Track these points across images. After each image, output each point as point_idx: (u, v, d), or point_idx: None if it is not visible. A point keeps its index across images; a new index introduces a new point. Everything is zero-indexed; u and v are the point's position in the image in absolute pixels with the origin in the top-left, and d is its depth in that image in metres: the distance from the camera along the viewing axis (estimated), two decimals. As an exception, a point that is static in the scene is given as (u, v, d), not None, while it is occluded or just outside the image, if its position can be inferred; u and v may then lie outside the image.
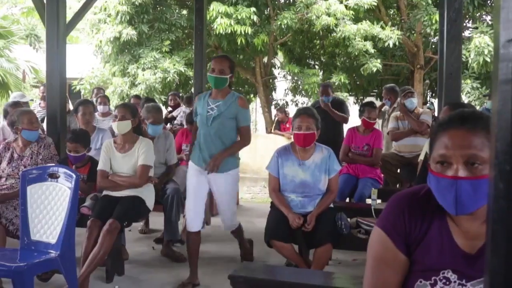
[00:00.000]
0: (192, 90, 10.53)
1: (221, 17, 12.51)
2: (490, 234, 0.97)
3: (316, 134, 4.45)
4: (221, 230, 6.67)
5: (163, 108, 13.23)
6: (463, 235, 1.60)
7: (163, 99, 13.44)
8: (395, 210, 1.66)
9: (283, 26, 13.03)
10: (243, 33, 12.59)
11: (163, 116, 9.49)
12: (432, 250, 1.61)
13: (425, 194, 1.64)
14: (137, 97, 9.12)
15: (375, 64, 12.89)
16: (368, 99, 16.48)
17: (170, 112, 9.72)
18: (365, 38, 12.97)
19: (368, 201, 5.49)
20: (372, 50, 12.97)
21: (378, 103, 15.30)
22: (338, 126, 7.44)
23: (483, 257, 1.39)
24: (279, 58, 16.55)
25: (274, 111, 16.90)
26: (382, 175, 6.32)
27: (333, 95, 7.52)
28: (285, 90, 16.12)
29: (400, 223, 1.64)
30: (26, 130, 4.79)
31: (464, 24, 13.81)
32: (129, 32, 13.25)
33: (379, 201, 5.08)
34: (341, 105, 7.41)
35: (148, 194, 4.86)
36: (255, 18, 12.75)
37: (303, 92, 14.62)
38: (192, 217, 4.63)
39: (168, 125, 8.91)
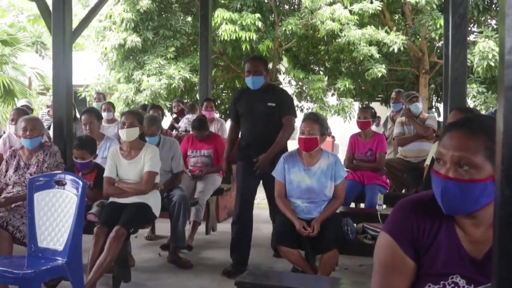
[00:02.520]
0: (198, 96, 10.57)
1: (226, 23, 12.55)
2: (496, 239, 0.98)
3: (320, 140, 4.44)
4: (227, 236, 6.68)
5: (168, 114, 13.30)
6: (469, 240, 1.60)
7: (168, 105, 13.49)
8: (402, 215, 1.66)
9: (287, 32, 13.07)
10: (248, 39, 12.62)
11: (170, 123, 9.55)
12: (440, 255, 1.61)
13: (432, 199, 1.64)
14: (144, 107, 8.95)
15: (380, 69, 12.90)
16: (373, 104, 16.49)
17: (176, 119, 9.72)
18: (370, 43, 12.99)
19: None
20: (377, 55, 12.98)
21: (383, 108, 15.37)
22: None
23: (490, 262, 1.39)
24: (284, 64, 16.57)
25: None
26: (388, 180, 6.29)
27: (266, 76, 5.16)
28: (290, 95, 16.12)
29: (407, 228, 1.64)
30: (22, 138, 4.83)
31: (469, 29, 13.80)
32: (133, 39, 13.31)
33: (384, 206, 5.07)
34: (281, 96, 5.24)
35: (154, 200, 4.86)
36: (259, 24, 12.79)
37: (308, 97, 14.62)
38: None
39: (174, 132, 8.92)
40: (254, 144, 5.07)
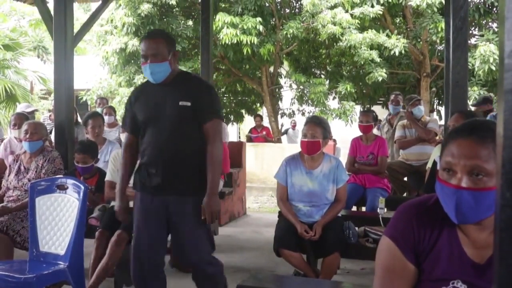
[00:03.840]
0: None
1: (227, 27, 12.58)
2: (497, 243, 0.98)
3: (323, 143, 4.44)
4: (229, 240, 6.69)
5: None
6: (472, 245, 1.59)
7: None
8: (404, 219, 1.66)
9: (289, 36, 13.09)
10: (249, 43, 12.64)
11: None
12: (441, 259, 1.61)
13: (434, 203, 1.63)
14: None
15: (381, 73, 12.91)
16: (374, 107, 16.48)
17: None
18: (371, 47, 13.01)
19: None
20: (378, 59, 13.00)
21: (385, 111, 15.37)
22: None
23: (493, 267, 1.39)
24: (285, 67, 16.60)
25: (280, 120, 16.92)
26: (390, 183, 6.27)
27: (173, 62, 3.47)
28: (292, 99, 16.17)
29: (408, 232, 1.63)
30: (23, 140, 4.86)
31: (470, 32, 13.82)
32: (134, 43, 13.35)
33: (385, 209, 5.07)
34: (201, 90, 3.47)
35: (155, 204, 4.85)
36: (261, 28, 12.81)
37: (309, 101, 14.65)
38: None
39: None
40: (159, 166, 3.42)
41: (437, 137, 6.70)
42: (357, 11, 12.86)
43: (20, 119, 5.97)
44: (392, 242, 1.64)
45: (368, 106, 15.99)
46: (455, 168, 1.53)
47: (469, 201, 1.49)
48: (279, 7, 14.77)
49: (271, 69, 15.56)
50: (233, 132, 20.42)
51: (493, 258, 1.17)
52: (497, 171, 0.97)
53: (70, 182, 3.93)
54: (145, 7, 13.43)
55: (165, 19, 14.20)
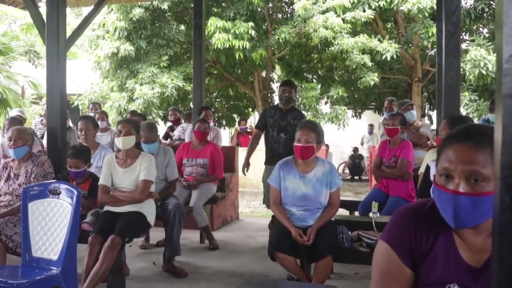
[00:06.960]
0: (191, 104, 10.58)
1: (219, 32, 12.60)
2: (495, 247, 0.98)
3: (316, 148, 4.45)
4: (222, 244, 6.67)
5: (162, 123, 13.29)
6: (468, 249, 1.60)
7: (161, 114, 13.49)
8: (400, 224, 1.67)
9: (281, 40, 13.12)
10: (241, 47, 12.67)
11: (165, 132, 9.54)
12: (438, 264, 1.61)
13: (430, 208, 1.64)
14: (134, 113, 8.96)
15: (373, 78, 12.96)
16: (366, 112, 16.53)
17: (171, 127, 9.71)
18: (363, 51, 13.06)
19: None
20: (369, 63, 13.05)
21: (376, 116, 15.41)
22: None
23: (489, 270, 1.39)
24: (277, 72, 16.63)
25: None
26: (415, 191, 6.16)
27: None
28: (284, 104, 16.17)
29: (405, 237, 1.64)
30: (8, 148, 4.84)
31: (461, 37, 13.89)
32: (126, 48, 13.33)
33: (378, 214, 5.06)
34: None
35: (149, 209, 4.84)
36: (253, 32, 12.84)
37: (301, 105, 14.67)
38: None
39: (168, 141, 8.91)
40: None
41: (429, 142, 6.72)
42: (348, 15, 12.92)
43: (14, 123, 5.94)
44: (389, 247, 1.65)
45: (360, 111, 16.03)
46: (453, 173, 1.53)
47: (467, 206, 1.49)
48: (271, 12, 14.81)
49: (263, 73, 15.59)
50: (225, 136, 20.40)
51: (490, 261, 1.18)
52: (495, 176, 0.98)
53: (63, 187, 3.91)
54: (137, 12, 13.42)
55: (157, 24, 14.20)
